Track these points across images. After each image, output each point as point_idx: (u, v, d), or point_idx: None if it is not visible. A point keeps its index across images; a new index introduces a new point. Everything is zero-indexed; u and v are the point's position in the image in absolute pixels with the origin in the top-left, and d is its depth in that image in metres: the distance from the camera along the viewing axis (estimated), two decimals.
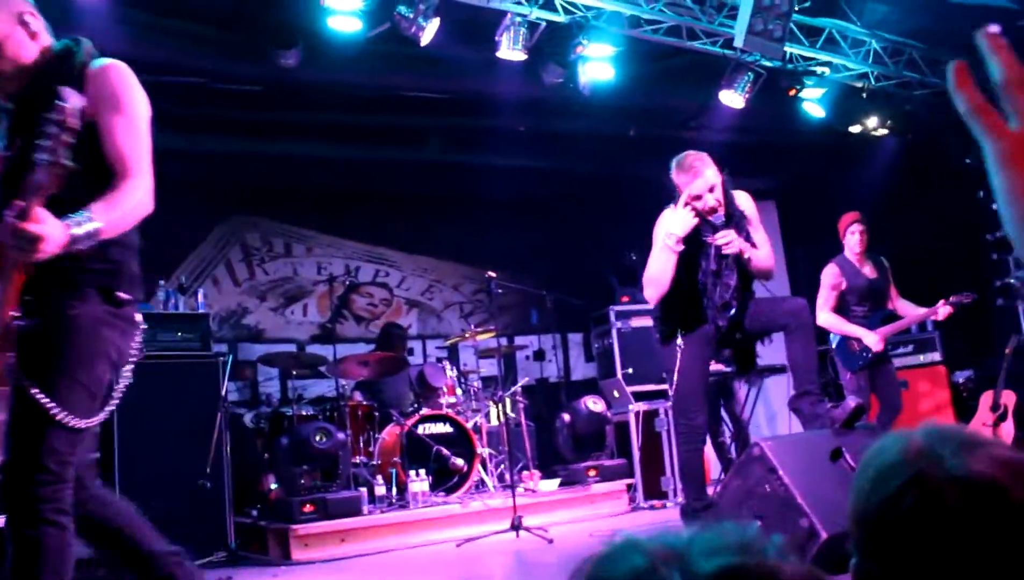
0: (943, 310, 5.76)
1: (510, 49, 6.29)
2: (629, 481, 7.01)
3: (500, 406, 7.01)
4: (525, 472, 6.96)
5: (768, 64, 7.04)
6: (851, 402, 3.99)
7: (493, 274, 6.43)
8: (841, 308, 5.80)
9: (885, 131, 8.41)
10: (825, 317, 5.73)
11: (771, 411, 8.64)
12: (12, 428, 2.23)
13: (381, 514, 5.97)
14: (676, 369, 4.25)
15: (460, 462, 6.44)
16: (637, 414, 7.20)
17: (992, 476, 0.88)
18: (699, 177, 4.17)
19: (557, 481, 7.08)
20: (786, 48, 6.56)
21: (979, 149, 0.89)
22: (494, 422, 7.23)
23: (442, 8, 5.96)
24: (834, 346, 5.91)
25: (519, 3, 6.23)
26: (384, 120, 7.86)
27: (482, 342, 7.61)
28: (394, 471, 6.33)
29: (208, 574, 5.14)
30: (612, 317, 7.75)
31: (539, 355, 9.19)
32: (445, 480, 6.42)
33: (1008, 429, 6.18)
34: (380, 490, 6.24)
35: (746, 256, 4.24)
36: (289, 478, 5.95)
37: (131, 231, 2.39)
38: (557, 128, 8.24)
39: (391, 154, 8.33)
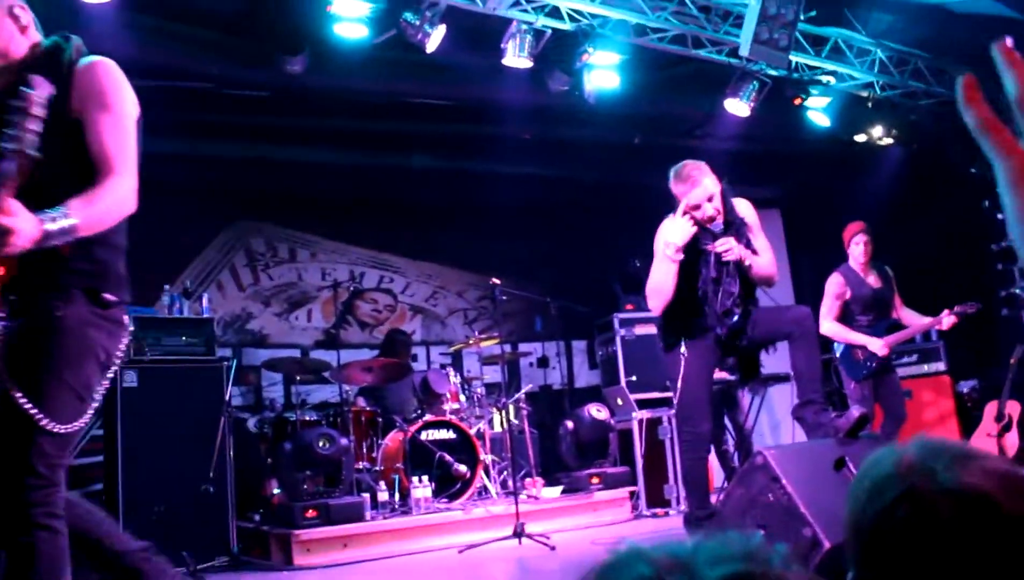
0: (947, 320, 5.75)
1: (516, 57, 6.30)
2: (632, 489, 6.99)
3: (503, 413, 7.01)
4: (528, 479, 6.96)
5: (773, 73, 7.05)
6: (855, 411, 3.98)
7: (497, 281, 6.44)
8: (845, 317, 5.80)
9: (890, 140, 8.41)
10: (829, 326, 5.72)
11: (775, 420, 8.63)
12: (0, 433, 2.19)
13: (384, 520, 5.96)
14: (680, 377, 4.25)
15: (463, 468, 6.44)
16: (640, 422, 7.19)
17: (984, 488, 0.88)
18: (697, 187, 4.18)
19: (560, 488, 7.07)
20: (791, 57, 6.57)
21: (984, 159, 0.87)
22: (497, 429, 7.23)
23: (448, 15, 5.97)
24: (838, 355, 5.91)
25: (525, 11, 6.25)
26: (389, 126, 7.87)
27: (486, 349, 7.61)
28: (397, 477, 6.33)
29: (210, 579, 5.15)
30: (616, 324, 7.75)
31: (543, 362, 9.18)
32: (448, 486, 6.41)
33: (1012, 439, 6.16)
34: (383, 496, 6.23)
35: (746, 263, 4.24)
36: (292, 483, 5.95)
37: (118, 232, 2.35)
38: (562, 136, 8.25)
39: (396, 160, 8.34)
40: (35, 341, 2.22)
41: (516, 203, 8.59)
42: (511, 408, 7.10)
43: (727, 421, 7.11)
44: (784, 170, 9.01)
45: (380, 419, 6.71)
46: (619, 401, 7.56)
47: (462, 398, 7.15)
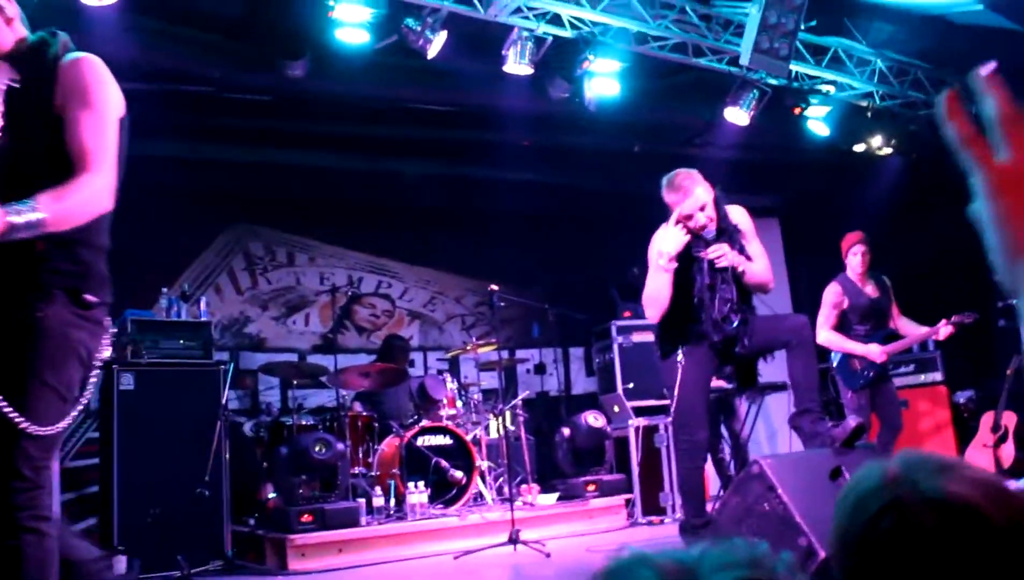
0: (945, 330, 5.76)
1: (517, 63, 6.31)
2: (628, 496, 6.99)
3: (500, 419, 7.00)
4: (524, 486, 6.95)
5: (773, 82, 7.06)
6: (851, 421, 3.98)
7: (495, 287, 6.44)
8: (842, 327, 5.80)
9: (889, 150, 8.42)
10: (826, 335, 5.73)
11: (771, 429, 8.63)
12: None
13: (379, 525, 5.95)
14: (677, 385, 4.25)
15: (459, 474, 6.43)
16: (637, 429, 7.19)
17: (968, 498, 0.89)
18: (689, 197, 4.20)
19: (555, 495, 7.06)
20: (792, 66, 6.58)
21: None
22: (494, 435, 7.22)
23: (449, 21, 5.98)
24: (835, 365, 5.91)
25: (526, 18, 6.26)
26: (390, 132, 7.88)
27: (483, 355, 7.60)
28: (393, 482, 6.32)
29: None
30: (614, 332, 7.75)
31: (540, 369, 9.19)
32: (444, 492, 6.40)
33: (1009, 450, 6.16)
34: (378, 501, 6.23)
35: (740, 269, 4.24)
36: (288, 488, 5.94)
37: (100, 232, 2.32)
38: (562, 143, 8.25)
39: (395, 166, 8.34)
40: (16, 343, 2.19)
41: (515, 210, 8.59)
42: (508, 414, 7.09)
43: (724, 429, 7.10)
44: (783, 179, 9.02)
45: (377, 424, 6.70)
46: (616, 408, 7.56)
47: (459, 404, 7.14)
